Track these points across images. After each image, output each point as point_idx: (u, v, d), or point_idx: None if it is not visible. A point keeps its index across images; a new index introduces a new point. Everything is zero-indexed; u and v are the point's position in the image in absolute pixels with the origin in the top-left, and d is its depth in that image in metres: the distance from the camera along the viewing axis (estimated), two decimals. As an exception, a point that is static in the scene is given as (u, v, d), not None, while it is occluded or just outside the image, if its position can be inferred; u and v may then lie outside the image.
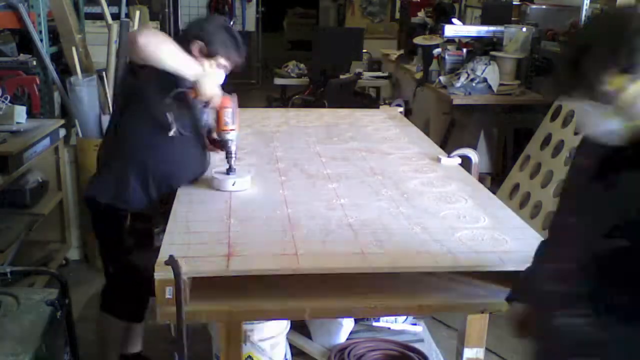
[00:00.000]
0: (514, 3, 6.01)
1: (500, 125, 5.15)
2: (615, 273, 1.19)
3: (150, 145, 2.22)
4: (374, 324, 2.73)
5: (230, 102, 2.19)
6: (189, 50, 2.24)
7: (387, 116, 3.51)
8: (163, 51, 2.02)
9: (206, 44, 2.25)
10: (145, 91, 2.16)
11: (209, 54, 2.27)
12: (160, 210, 2.25)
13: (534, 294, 1.42)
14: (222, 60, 2.29)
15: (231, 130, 2.22)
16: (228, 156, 2.26)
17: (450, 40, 5.50)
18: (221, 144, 2.28)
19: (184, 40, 2.29)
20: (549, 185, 3.89)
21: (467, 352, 2.02)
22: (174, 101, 2.12)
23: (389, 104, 3.90)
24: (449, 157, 2.66)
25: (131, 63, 2.25)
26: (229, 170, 2.27)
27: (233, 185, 2.24)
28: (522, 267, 1.70)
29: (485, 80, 4.64)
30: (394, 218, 2.00)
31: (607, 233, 1.19)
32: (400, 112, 3.56)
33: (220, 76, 2.30)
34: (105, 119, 3.75)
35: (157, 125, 2.19)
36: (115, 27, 3.95)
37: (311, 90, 6.05)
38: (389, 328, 2.71)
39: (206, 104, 2.17)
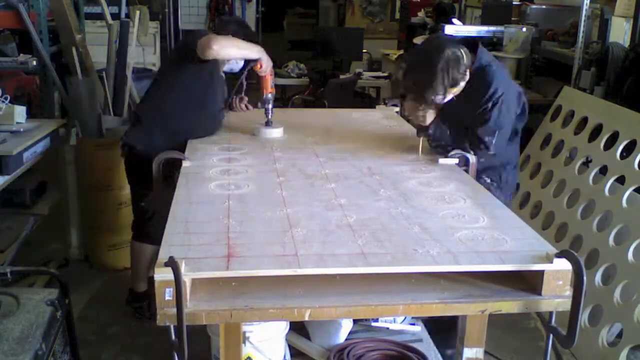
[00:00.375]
0: (514, 3, 6.02)
1: (500, 125, 5.14)
2: None
3: (180, 110, 2.85)
4: (373, 324, 2.73)
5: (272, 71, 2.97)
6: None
7: (384, 116, 3.51)
8: (230, 49, 2.79)
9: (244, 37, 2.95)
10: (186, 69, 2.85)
11: None
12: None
13: None
14: None
15: (271, 91, 2.98)
16: (266, 113, 2.96)
17: (450, 40, 5.50)
18: (264, 102, 2.96)
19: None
20: (549, 185, 3.89)
21: (467, 352, 2.02)
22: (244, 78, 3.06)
23: (386, 104, 3.90)
24: (446, 157, 2.66)
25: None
26: (267, 123, 2.98)
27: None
28: (522, 267, 1.71)
29: (485, 80, 4.63)
30: (393, 218, 2.00)
31: None
32: (397, 112, 3.56)
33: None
34: (106, 119, 3.76)
35: (188, 94, 2.85)
36: (115, 27, 3.95)
37: (311, 90, 6.05)
38: (388, 328, 2.71)
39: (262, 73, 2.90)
